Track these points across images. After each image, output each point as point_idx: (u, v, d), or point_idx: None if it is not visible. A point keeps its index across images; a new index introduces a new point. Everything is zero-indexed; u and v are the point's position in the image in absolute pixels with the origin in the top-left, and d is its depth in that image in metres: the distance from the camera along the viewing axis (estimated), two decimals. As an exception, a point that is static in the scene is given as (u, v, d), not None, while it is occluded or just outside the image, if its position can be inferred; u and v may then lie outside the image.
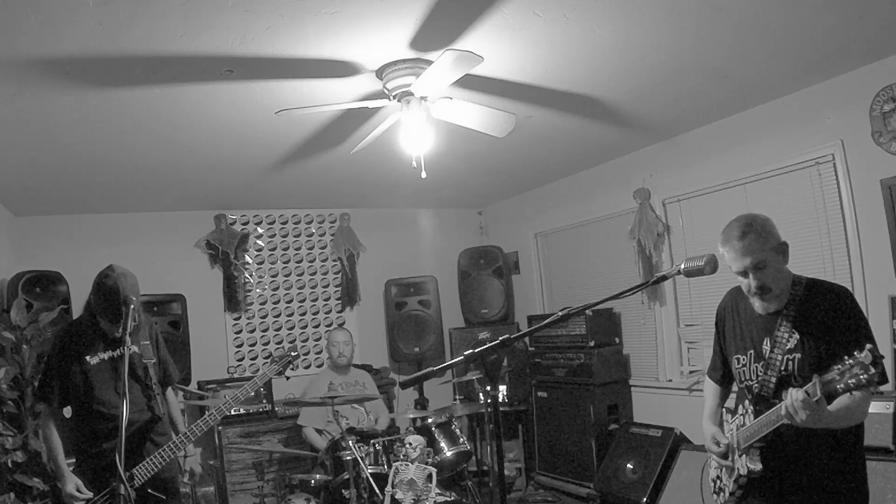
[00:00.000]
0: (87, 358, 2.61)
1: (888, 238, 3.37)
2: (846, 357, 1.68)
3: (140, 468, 2.53)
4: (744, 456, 2.07)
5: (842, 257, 3.64)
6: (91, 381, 2.59)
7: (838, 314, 1.99)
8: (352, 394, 4.61)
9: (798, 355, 2.00)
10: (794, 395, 1.82)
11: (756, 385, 2.10)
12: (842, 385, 1.67)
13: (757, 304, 2.10)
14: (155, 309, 5.05)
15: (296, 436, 5.10)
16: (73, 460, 2.61)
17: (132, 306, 2.50)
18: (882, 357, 1.65)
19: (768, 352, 2.07)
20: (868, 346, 1.66)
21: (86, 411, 2.60)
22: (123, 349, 2.44)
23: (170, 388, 3.01)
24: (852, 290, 3.34)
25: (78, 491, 2.47)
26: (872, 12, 2.80)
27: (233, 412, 4.98)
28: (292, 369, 3.14)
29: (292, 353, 3.10)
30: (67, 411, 2.68)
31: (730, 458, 2.13)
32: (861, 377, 1.63)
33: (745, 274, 2.05)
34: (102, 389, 2.60)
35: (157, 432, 2.70)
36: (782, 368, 2.03)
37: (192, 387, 5.11)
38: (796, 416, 1.82)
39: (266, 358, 5.88)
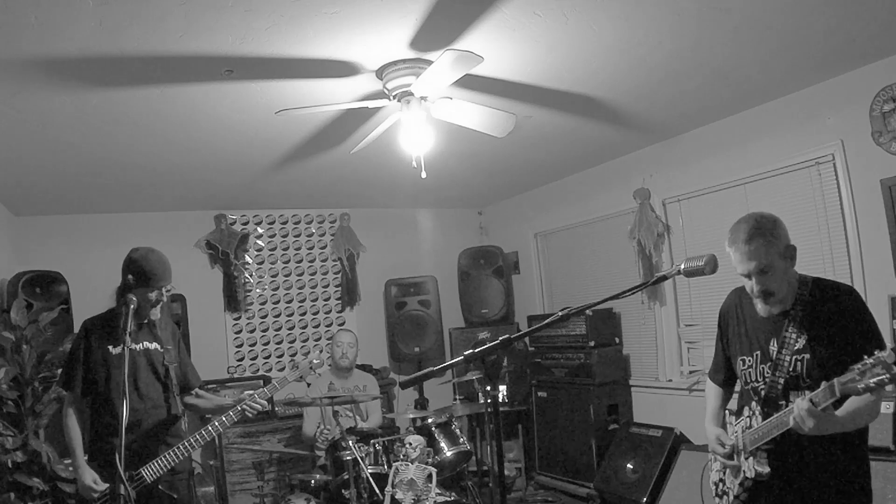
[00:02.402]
0: (111, 347, 2.63)
1: (888, 238, 3.37)
2: (865, 356, 1.65)
3: (150, 466, 2.53)
4: (751, 458, 2.04)
5: (842, 257, 3.64)
6: (111, 372, 2.60)
7: (847, 314, 1.97)
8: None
9: (807, 356, 1.98)
10: (800, 405, 1.80)
11: (763, 387, 2.07)
12: (862, 385, 1.64)
13: (759, 307, 2.08)
14: (155, 309, 5.04)
15: (295, 436, 5.11)
16: (86, 456, 2.62)
17: (132, 306, 2.52)
18: None
19: (776, 353, 2.05)
20: (890, 346, 1.64)
21: (102, 402, 2.61)
22: (123, 348, 2.43)
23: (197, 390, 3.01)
24: (852, 289, 3.34)
25: (95, 483, 2.48)
26: (872, 12, 2.80)
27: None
28: (318, 375, 3.23)
29: (314, 361, 3.16)
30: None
31: (735, 460, 2.12)
32: (883, 377, 1.59)
33: (748, 276, 2.04)
34: (120, 381, 2.52)
35: (171, 433, 2.70)
36: (790, 370, 2.00)
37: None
38: (803, 426, 1.80)
39: (266, 358, 5.89)
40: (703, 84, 3.57)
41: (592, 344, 4.97)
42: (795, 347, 2.01)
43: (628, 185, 5.00)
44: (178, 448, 2.61)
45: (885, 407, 3.08)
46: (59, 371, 3.02)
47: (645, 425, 4.57)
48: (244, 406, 2.76)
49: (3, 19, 2.19)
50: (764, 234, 1.99)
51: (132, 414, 2.48)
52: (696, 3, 2.58)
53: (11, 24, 2.23)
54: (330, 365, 5.06)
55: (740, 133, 4.17)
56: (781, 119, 3.91)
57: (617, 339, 5.19)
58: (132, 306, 2.52)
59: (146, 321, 2.74)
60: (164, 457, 2.57)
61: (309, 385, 3.20)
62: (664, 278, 1.97)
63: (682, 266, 1.90)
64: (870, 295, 3.43)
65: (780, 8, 2.69)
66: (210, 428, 2.71)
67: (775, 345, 2.06)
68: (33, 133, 3.35)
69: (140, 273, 2.62)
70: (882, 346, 1.65)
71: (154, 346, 2.72)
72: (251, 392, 2.85)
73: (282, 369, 5.84)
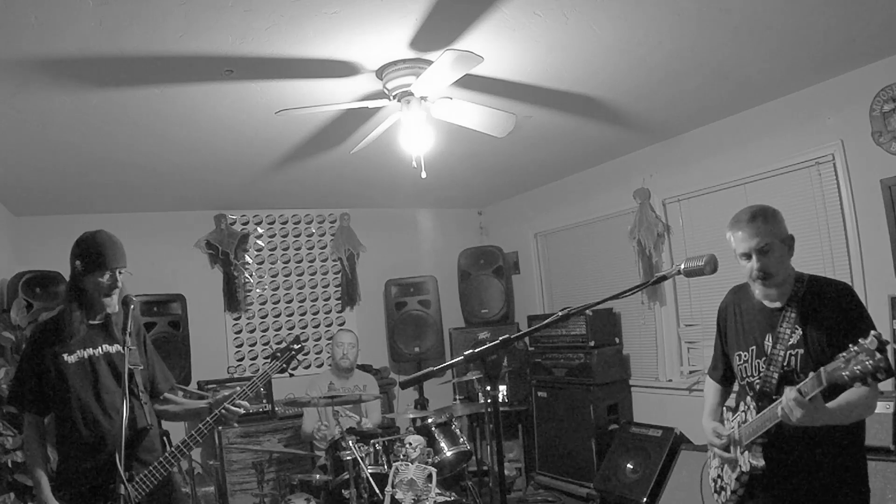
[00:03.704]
0: (65, 356, 2.27)
1: (888, 238, 3.37)
2: (851, 345, 1.66)
3: (130, 490, 2.16)
4: (746, 452, 2.06)
5: (842, 257, 3.64)
6: (68, 385, 2.25)
7: (841, 309, 1.99)
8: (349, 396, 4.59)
9: (801, 350, 2.00)
10: (787, 395, 1.81)
11: (758, 381, 2.10)
12: (847, 373, 1.64)
13: (758, 291, 2.10)
14: (155, 309, 5.04)
15: (295, 436, 5.11)
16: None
17: (131, 306, 2.33)
18: (888, 342, 1.60)
19: (770, 348, 2.07)
20: (873, 332, 1.63)
21: (62, 421, 2.27)
22: (124, 348, 2.27)
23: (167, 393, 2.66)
24: (852, 289, 3.34)
25: None
26: (872, 12, 2.80)
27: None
28: (297, 364, 2.70)
29: (294, 347, 2.70)
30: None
31: (732, 452, 2.13)
32: (867, 364, 1.59)
33: (748, 257, 2.06)
34: (81, 394, 2.26)
35: (143, 448, 2.32)
36: (784, 364, 2.03)
37: (192, 387, 5.11)
38: (791, 415, 1.81)
39: (266, 358, 5.87)
40: (703, 84, 3.57)
41: (592, 344, 4.97)
42: (790, 342, 2.03)
43: (628, 185, 5.00)
44: (155, 466, 2.25)
45: (885, 407, 3.08)
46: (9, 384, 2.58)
47: (645, 425, 4.57)
48: (221, 412, 2.37)
49: (3, 19, 2.19)
50: (767, 216, 2.07)
51: (96, 431, 2.23)
52: (696, 3, 2.59)
53: (11, 24, 2.24)
54: (330, 365, 5.06)
55: (740, 133, 4.17)
56: (781, 119, 3.91)
57: (617, 339, 5.19)
58: (132, 306, 2.34)
59: (100, 318, 2.37)
60: (142, 477, 2.22)
61: (292, 375, 2.92)
62: (664, 278, 1.98)
63: (682, 266, 1.92)
64: (870, 295, 3.43)
65: (780, 8, 2.69)
66: (188, 440, 2.33)
67: (770, 340, 2.08)
68: (33, 133, 3.35)
69: (87, 254, 2.30)
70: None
71: (115, 348, 2.35)
72: (227, 393, 2.47)
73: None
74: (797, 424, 1.83)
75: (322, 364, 6.00)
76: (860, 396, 1.87)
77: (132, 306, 2.36)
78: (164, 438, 2.49)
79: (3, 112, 3.01)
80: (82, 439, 2.24)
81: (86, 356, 2.30)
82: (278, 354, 2.68)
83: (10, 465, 3.57)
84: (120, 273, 2.34)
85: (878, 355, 1.59)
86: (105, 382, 2.30)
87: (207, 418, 2.38)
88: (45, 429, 2.32)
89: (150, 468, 2.25)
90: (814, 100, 3.72)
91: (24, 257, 4.92)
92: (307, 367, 5.95)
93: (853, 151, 3.54)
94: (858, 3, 2.70)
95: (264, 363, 5.79)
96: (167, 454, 2.29)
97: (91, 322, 2.37)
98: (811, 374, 1.77)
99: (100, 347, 2.33)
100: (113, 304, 2.39)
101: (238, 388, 2.47)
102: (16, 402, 2.31)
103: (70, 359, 2.28)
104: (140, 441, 2.31)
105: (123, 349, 2.30)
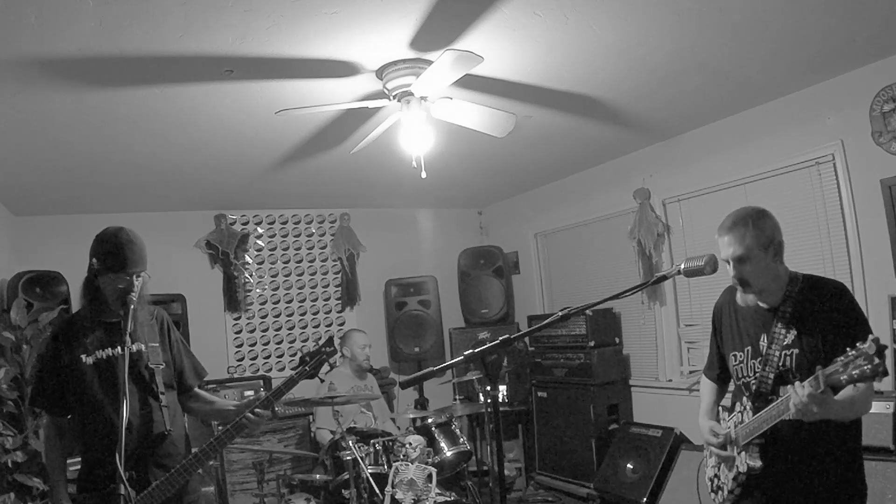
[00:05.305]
0: (83, 357, 2.21)
1: (888, 238, 3.37)
2: (848, 348, 1.66)
3: (145, 498, 2.10)
4: (743, 453, 2.07)
5: (842, 257, 3.64)
6: (86, 386, 2.19)
7: (835, 309, 1.99)
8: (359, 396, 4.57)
9: (796, 351, 2.01)
10: (800, 392, 1.78)
11: (754, 382, 2.10)
12: (845, 377, 1.65)
13: (738, 295, 2.14)
14: (155, 309, 5.04)
15: (295, 436, 5.10)
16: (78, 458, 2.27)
17: (132, 306, 2.15)
18: (885, 347, 1.61)
19: (766, 348, 2.08)
20: (871, 336, 1.64)
21: (83, 423, 2.21)
22: (123, 349, 2.13)
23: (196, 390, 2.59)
24: (852, 289, 3.33)
25: None
26: (872, 12, 2.80)
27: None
28: (329, 368, 2.44)
29: (326, 349, 2.47)
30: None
31: (729, 450, 2.13)
32: (865, 368, 1.60)
33: (728, 263, 2.08)
34: (98, 396, 2.19)
35: (162, 453, 2.24)
36: (780, 364, 2.03)
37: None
38: (807, 411, 1.78)
39: (266, 358, 5.88)
40: (703, 84, 3.57)
41: (592, 344, 4.97)
42: (785, 343, 2.03)
43: (628, 185, 5.00)
44: (172, 474, 2.16)
45: (885, 407, 3.08)
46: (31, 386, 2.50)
47: (645, 425, 4.57)
48: (242, 420, 2.29)
49: (3, 19, 2.19)
50: (746, 223, 2.04)
51: (114, 434, 2.03)
52: (696, 3, 2.59)
53: (11, 24, 2.24)
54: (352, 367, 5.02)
55: (740, 133, 4.17)
56: (781, 119, 3.91)
57: (617, 339, 5.19)
58: (132, 306, 2.19)
59: (117, 318, 2.27)
60: (161, 485, 2.13)
61: (322, 381, 2.74)
62: (664, 278, 1.99)
63: (682, 266, 1.92)
64: (870, 295, 3.43)
65: (779, 8, 2.69)
66: (207, 448, 2.23)
67: (765, 340, 2.09)
68: (33, 133, 3.35)
69: (105, 254, 2.19)
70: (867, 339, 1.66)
71: (136, 346, 2.25)
72: (252, 399, 2.38)
73: (282, 370, 5.84)
74: (811, 420, 1.81)
75: (335, 352, 5.97)
76: (861, 392, 1.87)
77: (132, 306, 2.23)
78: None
79: (3, 112, 3.01)
80: (100, 441, 2.17)
81: (104, 357, 2.23)
82: (307, 359, 2.48)
83: (10, 465, 3.57)
84: (137, 277, 2.23)
85: (877, 360, 1.59)
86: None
87: (228, 426, 2.28)
88: (66, 430, 2.26)
89: (167, 476, 2.16)
90: (814, 100, 3.72)
91: (24, 257, 4.92)
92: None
93: (853, 151, 3.54)
94: (858, 3, 2.70)
95: (264, 363, 5.80)
96: (184, 463, 2.18)
97: (108, 321, 2.29)
98: (810, 377, 1.77)
99: (119, 348, 2.24)
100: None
101: (262, 394, 2.36)
102: (36, 402, 2.26)
103: (88, 360, 2.22)
104: (156, 447, 2.23)
105: (123, 350, 2.17)
